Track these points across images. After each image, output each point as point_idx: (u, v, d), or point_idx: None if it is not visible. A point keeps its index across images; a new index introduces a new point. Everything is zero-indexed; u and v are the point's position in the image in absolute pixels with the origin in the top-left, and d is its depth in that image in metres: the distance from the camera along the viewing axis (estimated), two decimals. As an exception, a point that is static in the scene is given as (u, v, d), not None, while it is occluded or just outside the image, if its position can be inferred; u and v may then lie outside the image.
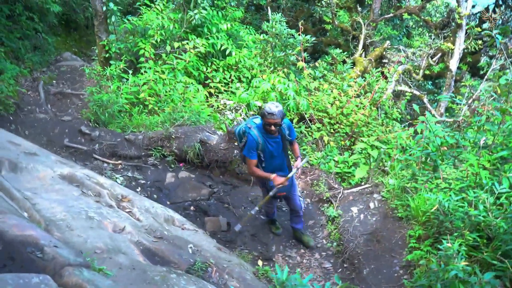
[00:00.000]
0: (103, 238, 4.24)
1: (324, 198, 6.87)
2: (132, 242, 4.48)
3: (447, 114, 12.24)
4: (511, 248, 3.94)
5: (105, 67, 9.47)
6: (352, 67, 12.02)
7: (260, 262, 5.59)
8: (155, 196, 6.72)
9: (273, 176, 5.32)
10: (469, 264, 3.96)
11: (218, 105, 9.27)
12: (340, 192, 6.86)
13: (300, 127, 9.00)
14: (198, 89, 9.28)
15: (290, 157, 5.85)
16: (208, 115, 8.57)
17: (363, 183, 7.14)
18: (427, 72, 13.09)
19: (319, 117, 9.17)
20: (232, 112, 8.83)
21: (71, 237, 4.09)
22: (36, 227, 3.73)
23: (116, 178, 6.81)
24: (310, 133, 8.99)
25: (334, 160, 8.11)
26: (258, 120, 5.34)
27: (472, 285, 3.66)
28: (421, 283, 4.42)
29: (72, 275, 3.04)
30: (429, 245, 5.01)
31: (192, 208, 6.62)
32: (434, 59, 13.19)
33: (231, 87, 9.64)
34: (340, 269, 5.70)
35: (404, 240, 5.46)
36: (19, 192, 4.62)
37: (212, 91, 9.62)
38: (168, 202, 6.65)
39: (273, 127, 5.02)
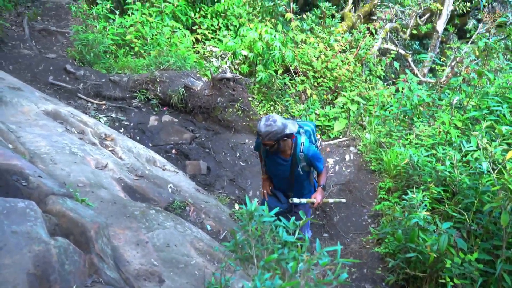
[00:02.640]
0: (85, 173, 4.39)
1: (303, 148, 7.08)
2: (114, 178, 4.65)
3: (431, 75, 12.40)
4: (471, 202, 4.20)
5: (91, 6, 9.34)
6: (340, 22, 12.00)
7: (236, 206, 5.83)
8: (137, 138, 6.84)
9: (263, 176, 4.68)
10: (431, 215, 4.24)
11: (204, 52, 9.28)
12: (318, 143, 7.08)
13: (284, 78, 9.09)
14: (185, 35, 9.25)
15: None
16: (194, 61, 8.60)
17: (341, 136, 7.35)
18: (415, 31, 13.13)
19: (304, 69, 9.26)
20: (218, 60, 8.86)
21: (55, 170, 4.23)
22: (21, 158, 3.87)
23: (100, 118, 6.89)
24: (294, 85, 9.10)
25: (315, 113, 8.29)
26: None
27: (431, 232, 3.93)
28: (385, 231, 4.72)
29: (56, 203, 3.21)
30: (397, 197, 5.30)
31: (173, 151, 6.78)
32: (422, 19, 13.21)
33: (218, 35, 9.62)
34: (312, 216, 5.98)
35: (375, 191, 5.74)
36: (3, 124, 4.71)
37: (199, 37, 9.60)
38: (150, 144, 6.79)
39: (264, 146, 4.06)
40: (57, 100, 6.55)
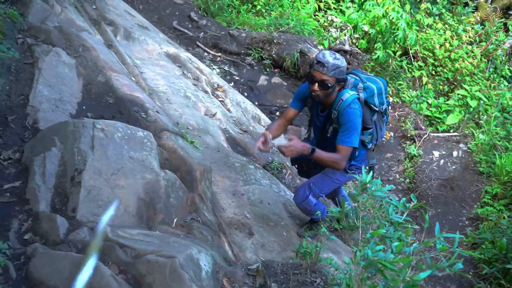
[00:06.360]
0: (195, 117, 4.56)
1: (408, 135, 6.82)
2: (220, 128, 4.79)
3: None
4: None
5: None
6: (473, 12, 11.22)
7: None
8: (245, 94, 6.95)
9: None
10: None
11: (324, 21, 9.12)
12: (426, 133, 6.78)
13: (401, 61, 8.73)
14: (308, 0, 9.14)
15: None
16: (313, 29, 8.49)
17: (451, 131, 6.99)
18: (556, 34, 11.96)
19: (424, 55, 8.82)
20: (337, 31, 8.68)
21: (169, 109, 4.43)
22: (143, 91, 4.09)
23: (213, 68, 7.08)
24: (410, 70, 8.72)
25: (427, 102, 7.91)
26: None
27: (538, 248, 3.66)
28: (484, 236, 4.46)
29: (169, 139, 3.37)
30: (503, 205, 4.97)
31: (278, 113, 6.82)
32: None
33: (341, 6, 9.40)
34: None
35: (479, 194, 5.41)
36: (130, 58, 5.00)
37: (322, 5, 9.43)
38: (256, 103, 6.87)
39: (316, 86, 2.98)
40: (177, 45, 6.81)
